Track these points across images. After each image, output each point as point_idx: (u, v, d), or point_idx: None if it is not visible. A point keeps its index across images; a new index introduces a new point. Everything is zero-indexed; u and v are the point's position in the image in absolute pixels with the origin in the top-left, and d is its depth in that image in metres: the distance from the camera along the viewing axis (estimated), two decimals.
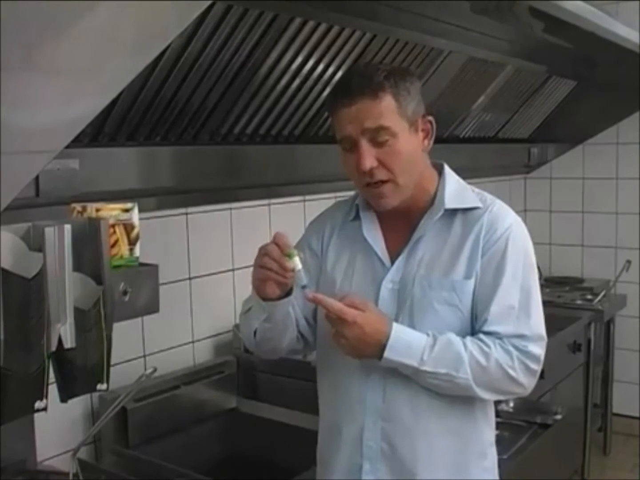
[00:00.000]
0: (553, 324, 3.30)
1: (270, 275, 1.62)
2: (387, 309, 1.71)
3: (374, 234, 1.79)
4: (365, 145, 1.65)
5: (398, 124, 1.67)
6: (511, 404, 2.93)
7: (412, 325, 1.68)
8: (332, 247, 1.84)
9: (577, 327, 3.94)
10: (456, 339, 1.66)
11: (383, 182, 1.68)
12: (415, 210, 1.77)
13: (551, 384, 3.49)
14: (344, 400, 1.77)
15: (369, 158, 1.65)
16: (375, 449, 1.73)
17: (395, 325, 1.66)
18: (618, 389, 4.68)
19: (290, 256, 1.59)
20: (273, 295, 1.66)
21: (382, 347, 1.64)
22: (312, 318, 1.84)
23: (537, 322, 1.72)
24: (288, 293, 1.68)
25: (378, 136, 1.66)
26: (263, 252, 1.62)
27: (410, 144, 1.71)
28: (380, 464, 1.73)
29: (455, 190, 1.77)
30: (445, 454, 1.73)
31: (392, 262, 1.76)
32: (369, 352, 1.66)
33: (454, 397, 1.70)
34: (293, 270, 1.60)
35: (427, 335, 1.66)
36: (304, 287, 1.64)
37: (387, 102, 1.66)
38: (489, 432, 1.82)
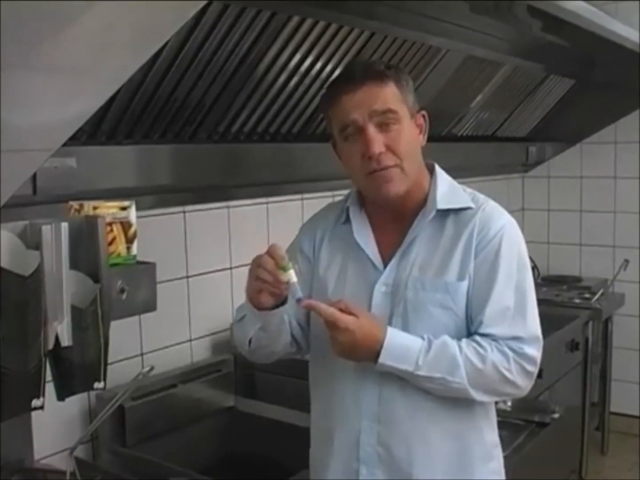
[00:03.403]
0: (551, 322, 3.31)
1: (264, 287, 1.61)
2: (381, 313, 1.70)
3: (365, 237, 1.78)
4: (372, 130, 1.65)
5: (402, 110, 1.69)
6: (509, 403, 2.92)
7: (406, 328, 1.68)
8: (324, 251, 1.83)
9: (575, 325, 3.94)
10: (452, 342, 1.65)
11: (389, 167, 1.67)
12: (408, 211, 1.76)
13: (549, 382, 3.49)
14: (339, 404, 1.76)
15: (378, 143, 1.65)
16: (372, 453, 1.72)
17: (389, 330, 1.65)
18: (616, 388, 4.68)
19: (284, 269, 1.57)
20: (267, 305, 1.65)
21: (376, 353, 1.63)
22: (305, 322, 1.84)
23: (533, 324, 1.71)
24: (283, 302, 1.67)
25: (385, 120, 1.66)
26: (257, 263, 1.60)
27: (413, 131, 1.72)
28: (377, 468, 1.72)
29: (447, 190, 1.76)
30: (445, 458, 1.72)
31: (385, 265, 1.75)
32: (363, 357, 1.65)
33: (453, 400, 1.69)
34: (287, 282, 1.59)
35: (422, 339, 1.65)
36: (298, 300, 1.63)
37: (391, 88, 1.68)
38: (491, 433, 1.81)
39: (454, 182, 1.81)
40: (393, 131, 1.67)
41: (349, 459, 1.75)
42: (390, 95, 1.68)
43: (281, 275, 1.58)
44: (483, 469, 1.77)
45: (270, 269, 1.58)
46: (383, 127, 1.66)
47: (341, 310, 1.62)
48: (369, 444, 1.72)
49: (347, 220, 1.82)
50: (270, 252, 1.59)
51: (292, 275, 1.58)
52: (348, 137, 1.70)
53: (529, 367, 1.69)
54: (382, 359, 1.63)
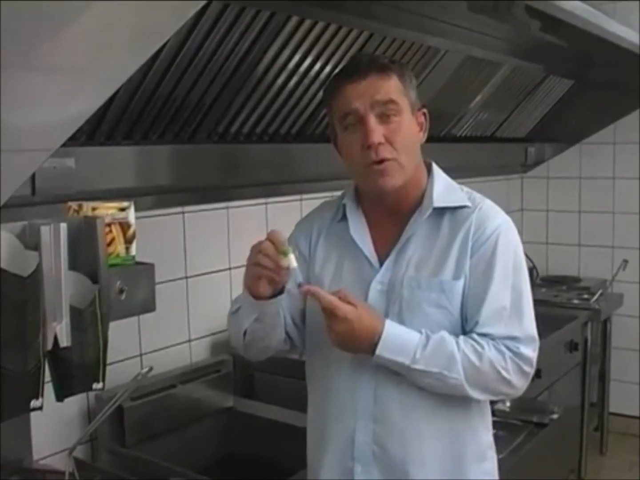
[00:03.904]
0: (550, 323, 3.32)
1: (264, 273, 1.61)
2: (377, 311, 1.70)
3: (361, 235, 1.78)
4: (373, 120, 1.66)
5: (404, 103, 1.70)
6: (508, 403, 2.93)
7: None
8: (320, 248, 1.83)
9: (574, 326, 3.94)
10: (449, 338, 1.65)
11: (386, 160, 1.67)
12: (404, 209, 1.76)
13: (548, 383, 3.49)
14: (334, 403, 1.76)
15: (377, 133, 1.65)
16: (367, 451, 1.72)
17: (388, 322, 1.65)
18: (615, 388, 4.69)
19: (285, 254, 1.57)
20: (265, 293, 1.64)
21: (374, 344, 1.63)
22: (299, 320, 1.83)
23: (529, 324, 1.71)
24: (280, 292, 1.67)
25: (386, 111, 1.67)
26: (257, 249, 1.60)
27: (413, 126, 1.73)
28: (372, 466, 1.72)
29: (444, 188, 1.76)
30: (439, 456, 1.72)
31: (381, 263, 1.74)
32: (360, 348, 1.65)
33: (448, 399, 1.69)
34: (287, 268, 1.59)
35: (420, 333, 1.65)
36: (299, 285, 1.63)
37: (394, 81, 1.69)
38: (486, 434, 1.81)
39: (451, 181, 1.81)
40: (393, 123, 1.67)
41: (344, 457, 1.75)
42: (393, 87, 1.68)
43: (281, 260, 1.58)
44: (477, 469, 1.77)
45: (270, 254, 1.58)
46: (384, 118, 1.67)
47: (340, 299, 1.62)
48: (364, 442, 1.72)
49: (344, 217, 1.81)
50: (270, 238, 1.59)
51: (292, 260, 1.58)
52: (348, 126, 1.70)
53: (525, 367, 1.69)
54: (380, 350, 1.63)
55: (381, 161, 1.67)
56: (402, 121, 1.69)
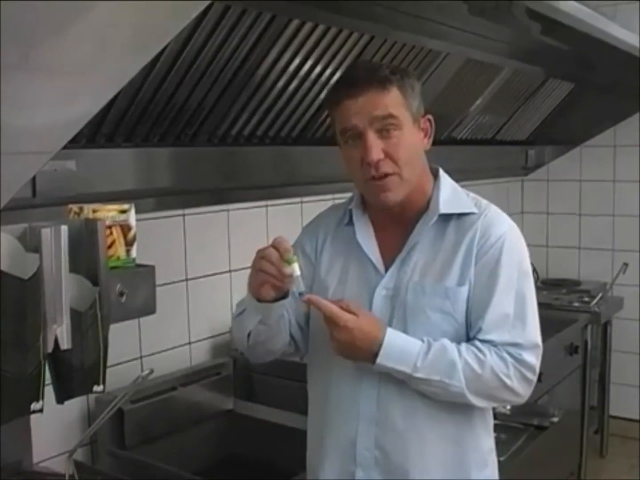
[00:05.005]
0: (550, 326, 3.31)
1: (268, 280, 1.61)
2: (381, 316, 1.70)
3: (367, 240, 1.78)
4: (372, 136, 1.64)
5: (404, 116, 1.67)
6: (508, 407, 2.92)
7: (405, 332, 1.67)
8: (326, 252, 1.83)
9: (574, 329, 3.93)
10: (451, 346, 1.65)
11: (387, 174, 1.66)
12: (410, 215, 1.75)
13: (548, 386, 3.48)
14: (336, 407, 1.76)
15: (376, 149, 1.64)
16: (369, 456, 1.72)
17: (389, 330, 1.64)
18: (615, 391, 4.68)
19: (289, 262, 1.57)
20: (269, 297, 1.65)
21: (375, 353, 1.63)
22: (304, 322, 1.83)
23: (533, 330, 1.71)
24: (284, 295, 1.67)
25: (386, 126, 1.64)
26: (261, 255, 1.60)
27: (415, 137, 1.71)
28: (374, 470, 1.72)
29: (450, 194, 1.76)
30: (441, 462, 1.72)
31: (386, 268, 1.74)
32: (361, 356, 1.65)
33: (451, 405, 1.69)
34: (291, 275, 1.59)
35: (422, 341, 1.64)
36: (300, 294, 1.63)
37: (394, 94, 1.66)
38: (487, 439, 1.81)
39: (457, 187, 1.80)
40: (393, 137, 1.66)
41: (346, 461, 1.75)
42: (392, 102, 1.66)
43: (285, 268, 1.57)
44: (478, 475, 1.77)
45: (274, 261, 1.58)
46: (383, 132, 1.65)
47: (342, 308, 1.62)
48: (366, 447, 1.72)
49: (350, 222, 1.81)
50: (275, 244, 1.59)
51: (295, 269, 1.58)
52: (348, 140, 1.69)
53: (528, 374, 1.68)
54: (380, 359, 1.63)
55: (382, 176, 1.66)
56: (402, 135, 1.67)
